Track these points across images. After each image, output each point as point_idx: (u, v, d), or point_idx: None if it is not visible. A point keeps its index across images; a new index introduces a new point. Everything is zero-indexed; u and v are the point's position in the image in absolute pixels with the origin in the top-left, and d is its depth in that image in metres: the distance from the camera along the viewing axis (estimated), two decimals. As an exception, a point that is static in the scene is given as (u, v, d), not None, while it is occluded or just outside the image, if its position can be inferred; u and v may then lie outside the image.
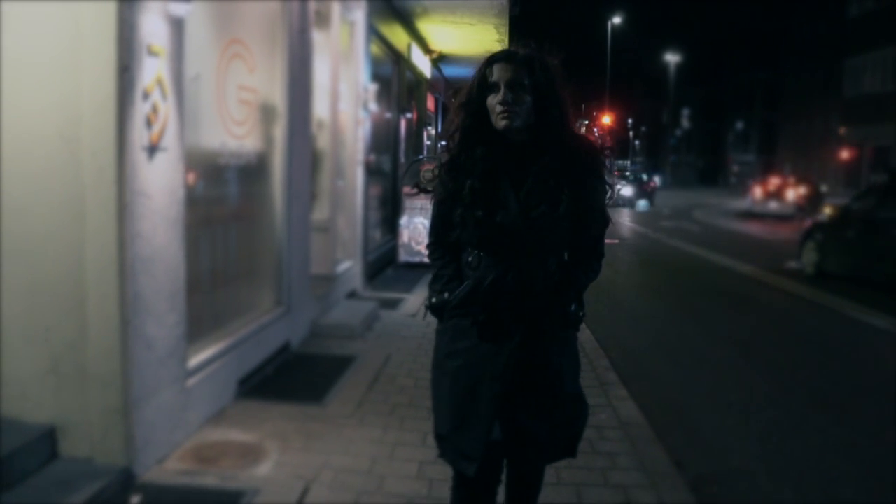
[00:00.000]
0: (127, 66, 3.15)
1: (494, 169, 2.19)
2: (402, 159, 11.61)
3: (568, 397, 2.29)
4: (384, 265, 10.01)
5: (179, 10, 3.47)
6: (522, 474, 2.45)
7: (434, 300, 2.31)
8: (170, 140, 3.54)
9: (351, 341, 6.09)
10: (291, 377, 5.04)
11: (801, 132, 42.02)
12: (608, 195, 2.28)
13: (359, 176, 8.19)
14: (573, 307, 2.27)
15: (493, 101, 2.17)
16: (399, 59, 10.88)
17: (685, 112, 69.51)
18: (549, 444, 2.29)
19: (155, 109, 3.38)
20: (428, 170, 2.39)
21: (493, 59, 2.21)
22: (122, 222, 3.18)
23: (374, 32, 8.78)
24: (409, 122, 12.10)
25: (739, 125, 61.31)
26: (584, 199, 2.19)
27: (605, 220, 2.29)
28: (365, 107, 8.17)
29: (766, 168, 46.72)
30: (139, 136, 3.27)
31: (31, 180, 3.19)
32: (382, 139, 10.09)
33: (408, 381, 5.05)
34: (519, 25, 12.66)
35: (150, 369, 3.45)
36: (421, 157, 12.74)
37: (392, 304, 7.69)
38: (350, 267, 7.92)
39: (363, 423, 4.24)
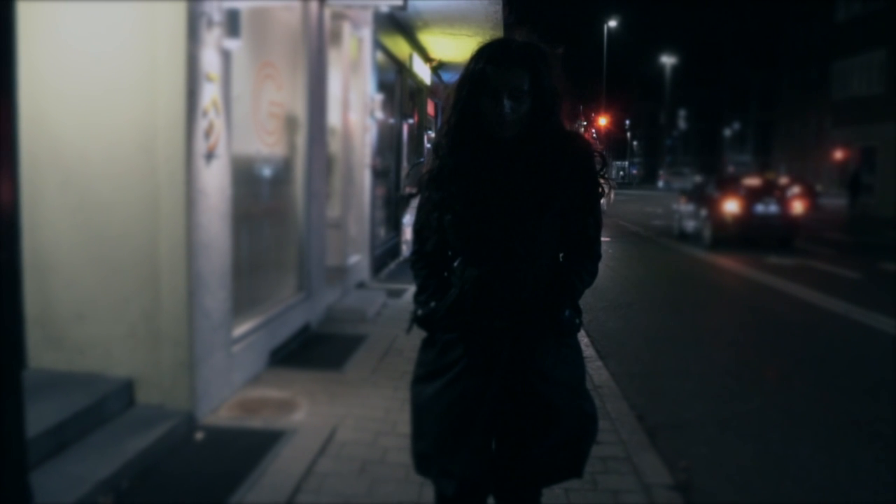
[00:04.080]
0: (192, 90, 3.97)
1: (481, 171, 2.07)
2: (405, 162, 12.42)
3: (569, 413, 2.10)
4: (388, 259, 10.83)
5: (230, 44, 4.29)
6: (519, 497, 2.22)
7: (420, 312, 2.17)
8: (221, 149, 4.36)
9: (362, 324, 6.90)
10: (313, 351, 5.86)
11: (796, 133, 42.81)
12: (603, 194, 2.15)
13: (366, 178, 9.00)
14: (567, 313, 2.11)
15: (490, 108, 2.01)
16: (401, 68, 11.68)
17: (681, 113, 70.34)
18: (549, 464, 2.12)
19: (211, 124, 4.20)
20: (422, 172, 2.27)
21: (489, 58, 2.02)
22: (188, 215, 4.00)
23: (378, 45, 9.59)
24: (410, 127, 12.90)
25: (736, 126, 62.10)
26: (576, 198, 2.08)
27: (598, 220, 2.15)
28: (372, 115, 8.98)
29: (762, 168, 47.49)
30: (200, 146, 4.09)
31: (116, 181, 4.01)
32: (387, 143, 10.90)
33: (414, 355, 5.80)
34: (514, 33, 13.46)
35: (207, 335, 4.27)
36: (422, 160, 13.54)
37: (397, 294, 8.48)
38: (359, 260, 8.73)
39: (377, 385, 5.05)
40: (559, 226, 2.08)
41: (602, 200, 2.17)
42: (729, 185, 16.67)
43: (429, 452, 2.14)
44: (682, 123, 71.70)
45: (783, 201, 15.74)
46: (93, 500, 3.13)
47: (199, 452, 3.81)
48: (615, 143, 71.34)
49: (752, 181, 17.12)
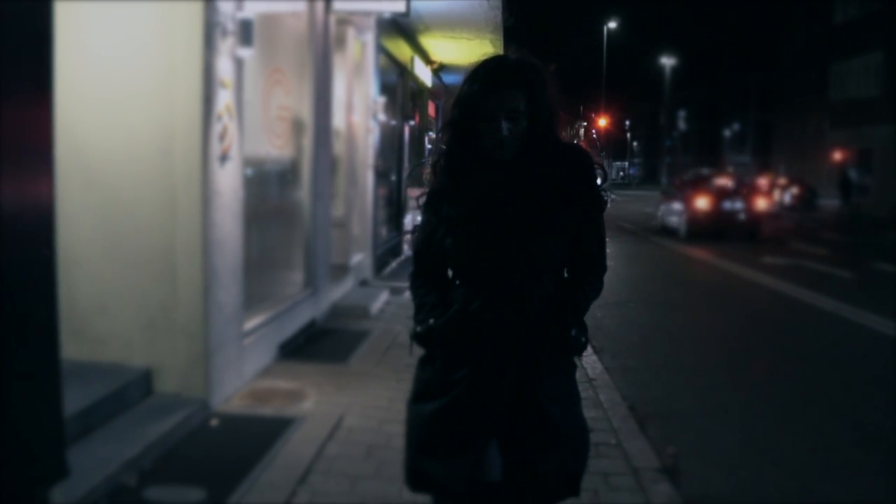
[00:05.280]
0: (208, 96, 4.20)
1: (480, 192, 2.05)
2: (406, 162, 12.66)
3: (569, 429, 2.08)
4: (390, 258, 11.07)
5: (243, 53, 4.54)
6: None
7: (419, 329, 2.13)
8: (234, 151, 4.59)
9: (365, 320, 7.14)
10: (319, 345, 6.10)
11: (796, 134, 43.01)
12: (605, 207, 2.13)
13: (369, 178, 9.24)
14: (574, 332, 2.08)
15: (488, 130, 2.00)
16: (403, 71, 11.92)
17: (681, 114, 70.56)
18: (552, 482, 2.08)
19: (225, 128, 4.43)
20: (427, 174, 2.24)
21: (485, 80, 2.01)
22: (204, 213, 4.24)
23: (381, 49, 9.83)
24: (412, 128, 13.15)
25: (735, 126, 62.27)
26: (579, 213, 2.05)
27: (601, 232, 2.13)
28: (374, 117, 9.22)
29: (762, 169, 47.71)
30: (215, 148, 4.32)
31: (136, 181, 4.24)
32: (389, 144, 11.15)
33: (417, 349, 6.10)
34: (513, 36, 13.68)
35: (221, 328, 4.50)
36: (423, 161, 13.77)
37: (398, 292, 8.71)
38: (362, 259, 8.97)
39: (381, 377, 5.29)
40: (563, 242, 2.05)
41: (605, 209, 2.14)
42: (701, 184, 19.34)
43: (427, 467, 2.09)
44: (681, 124, 71.89)
45: (748, 198, 18.27)
46: (119, 478, 3.36)
47: (215, 437, 4.05)
48: (615, 144, 71.59)
49: (722, 181, 19.82)
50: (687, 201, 18.11)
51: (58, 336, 2.80)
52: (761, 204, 18.84)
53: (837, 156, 33.37)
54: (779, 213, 27.07)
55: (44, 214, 2.66)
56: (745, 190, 19.09)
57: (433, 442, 2.07)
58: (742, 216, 17.65)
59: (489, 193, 2.04)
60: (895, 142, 26.46)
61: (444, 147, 2.14)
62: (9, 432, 2.50)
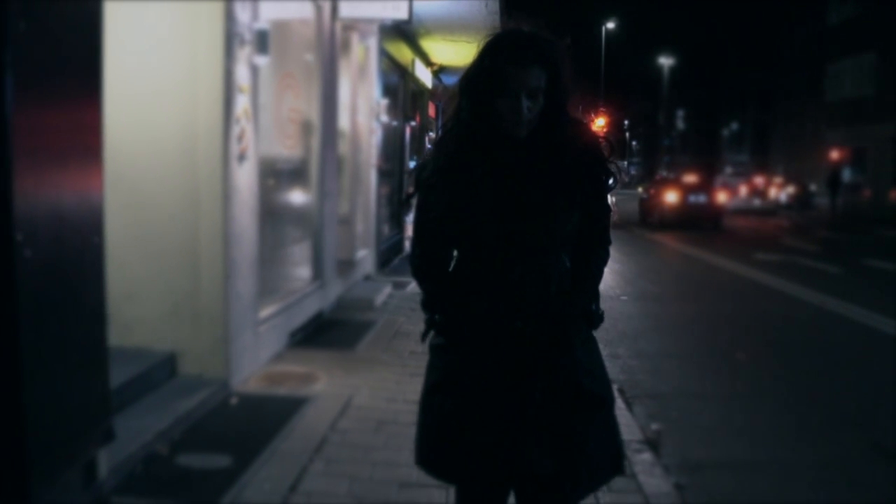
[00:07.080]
0: (228, 100, 4.57)
1: (496, 170, 1.99)
2: (408, 162, 13.02)
3: (607, 404, 2.08)
4: (392, 255, 11.44)
5: (259, 60, 4.90)
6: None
7: (437, 317, 2.07)
8: (250, 151, 4.96)
9: (370, 312, 7.50)
10: (327, 334, 6.47)
11: (793, 133, 43.35)
12: (616, 182, 2.12)
13: (372, 178, 9.61)
14: (593, 305, 2.10)
15: (508, 108, 1.94)
16: (404, 73, 12.28)
17: (679, 113, 70.90)
18: (599, 460, 2.04)
19: (242, 130, 4.80)
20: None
21: (508, 58, 1.93)
22: (224, 209, 4.60)
23: (383, 53, 10.19)
24: (413, 129, 13.51)
25: (734, 126, 62.59)
26: (588, 189, 2.04)
27: (607, 205, 2.13)
28: (377, 118, 9.59)
29: (759, 168, 48.03)
30: (234, 149, 4.68)
31: (161, 177, 4.60)
32: (391, 144, 11.51)
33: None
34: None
35: (239, 315, 4.87)
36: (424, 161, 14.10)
37: (401, 286, 9.07)
38: (366, 255, 9.34)
39: (387, 362, 5.65)
40: (576, 217, 2.03)
41: (616, 185, 2.14)
42: (671, 181, 23.50)
43: (452, 459, 2.05)
44: (680, 123, 72.25)
45: (710, 193, 21.55)
46: (153, 447, 3.73)
47: (235, 413, 4.42)
48: (615, 143, 71.61)
49: (690, 178, 23.61)
50: (660, 195, 21.47)
51: (106, 315, 3.15)
52: (721, 198, 21.96)
53: (834, 155, 33.65)
54: (775, 210, 27.51)
55: (95, 206, 3.01)
56: (708, 186, 22.41)
57: (471, 433, 1.99)
58: (705, 208, 20.82)
59: (504, 170, 1.99)
60: (888, 140, 26.81)
61: (456, 123, 2.06)
62: (67, 399, 2.85)
